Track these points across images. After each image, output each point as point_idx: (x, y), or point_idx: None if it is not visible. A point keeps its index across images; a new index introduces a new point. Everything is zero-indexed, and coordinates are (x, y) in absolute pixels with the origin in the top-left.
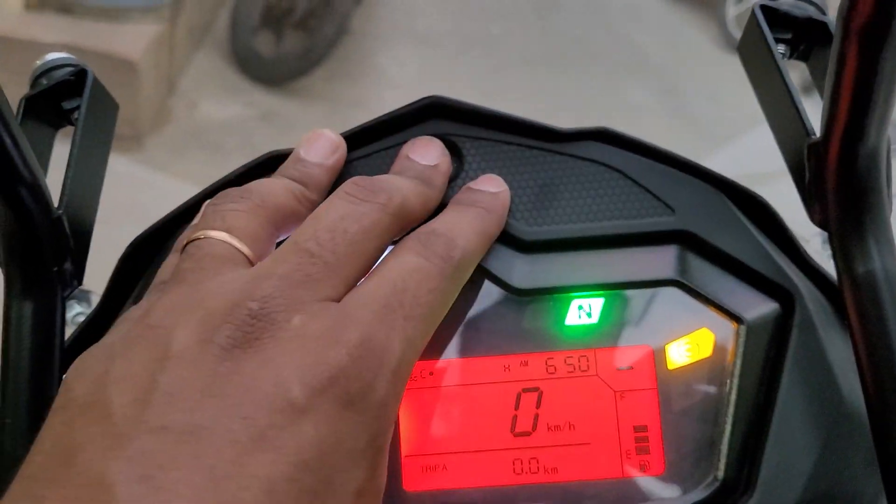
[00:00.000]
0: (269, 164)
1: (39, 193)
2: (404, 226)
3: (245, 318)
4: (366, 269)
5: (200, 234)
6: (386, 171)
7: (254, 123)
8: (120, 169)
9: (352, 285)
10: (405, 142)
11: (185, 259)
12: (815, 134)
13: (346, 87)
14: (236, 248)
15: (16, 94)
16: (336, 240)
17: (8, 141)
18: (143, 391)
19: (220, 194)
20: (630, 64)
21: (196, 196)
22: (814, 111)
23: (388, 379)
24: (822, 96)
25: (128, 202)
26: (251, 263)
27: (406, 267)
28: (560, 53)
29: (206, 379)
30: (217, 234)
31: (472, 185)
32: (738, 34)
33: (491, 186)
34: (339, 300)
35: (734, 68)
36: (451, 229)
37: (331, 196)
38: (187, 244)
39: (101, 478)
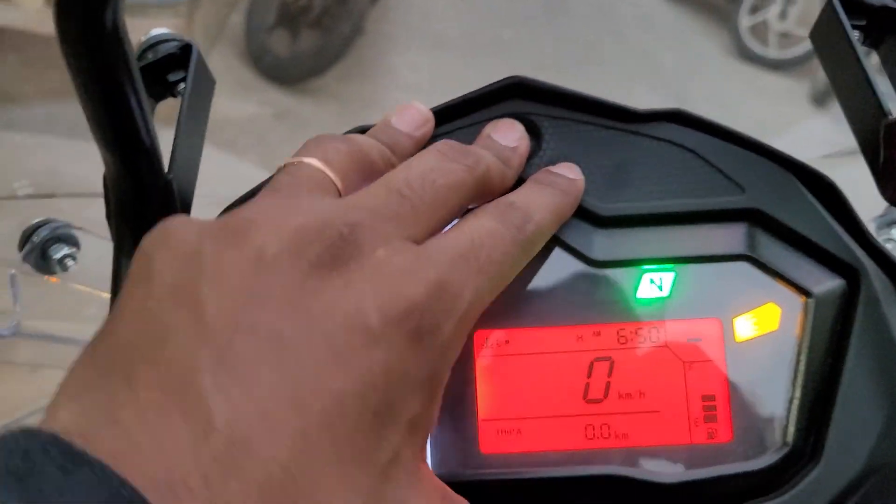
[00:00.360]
0: None
1: (155, 158)
2: (483, 193)
3: (335, 240)
4: (446, 222)
5: (297, 159)
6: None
7: (267, 122)
8: None
9: (433, 233)
10: (486, 120)
11: (281, 174)
12: (892, 114)
13: (359, 87)
14: (330, 178)
15: (37, 86)
16: (425, 187)
17: (136, 108)
18: (234, 288)
19: (320, 135)
20: (641, 71)
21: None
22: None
23: (456, 322)
24: (893, 83)
25: None
26: (341, 196)
27: (484, 228)
28: (571, 59)
29: (293, 291)
30: (314, 161)
31: (551, 168)
32: (752, 44)
33: (569, 172)
34: (420, 243)
35: (746, 77)
36: (527, 203)
37: (423, 150)
38: (285, 165)
39: (191, 365)
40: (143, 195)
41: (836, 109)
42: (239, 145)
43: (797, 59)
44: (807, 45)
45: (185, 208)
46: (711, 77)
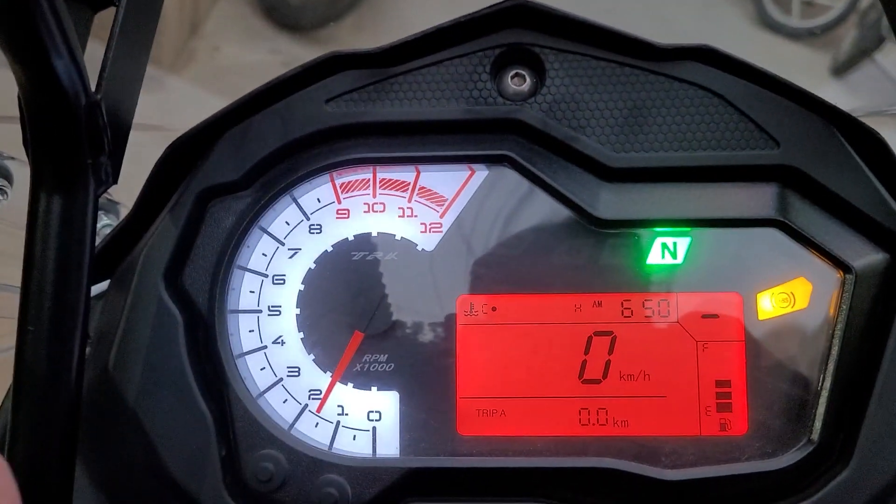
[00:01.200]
0: (329, 65)
1: (77, 73)
2: None
3: None
4: None
5: None
6: (459, 80)
7: (276, 69)
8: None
9: None
10: (482, 50)
11: None
12: None
13: (372, 39)
14: None
15: None
16: None
17: (48, 10)
18: None
19: None
20: (660, 37)
21: (237, 101)
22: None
23: None
24: None
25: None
26: None
27: None
28: None
29: None
30: None
31: None
32: (774, 13)
33: None
34: None
35: (767, 46)
36: None
37: None
38: None
39: None
40: (65, 119)
41: (852, 78)
42: (245, 92)
43: (820, 29)
44: (830, 15)
45: (119, 138)
46: (732, 45)
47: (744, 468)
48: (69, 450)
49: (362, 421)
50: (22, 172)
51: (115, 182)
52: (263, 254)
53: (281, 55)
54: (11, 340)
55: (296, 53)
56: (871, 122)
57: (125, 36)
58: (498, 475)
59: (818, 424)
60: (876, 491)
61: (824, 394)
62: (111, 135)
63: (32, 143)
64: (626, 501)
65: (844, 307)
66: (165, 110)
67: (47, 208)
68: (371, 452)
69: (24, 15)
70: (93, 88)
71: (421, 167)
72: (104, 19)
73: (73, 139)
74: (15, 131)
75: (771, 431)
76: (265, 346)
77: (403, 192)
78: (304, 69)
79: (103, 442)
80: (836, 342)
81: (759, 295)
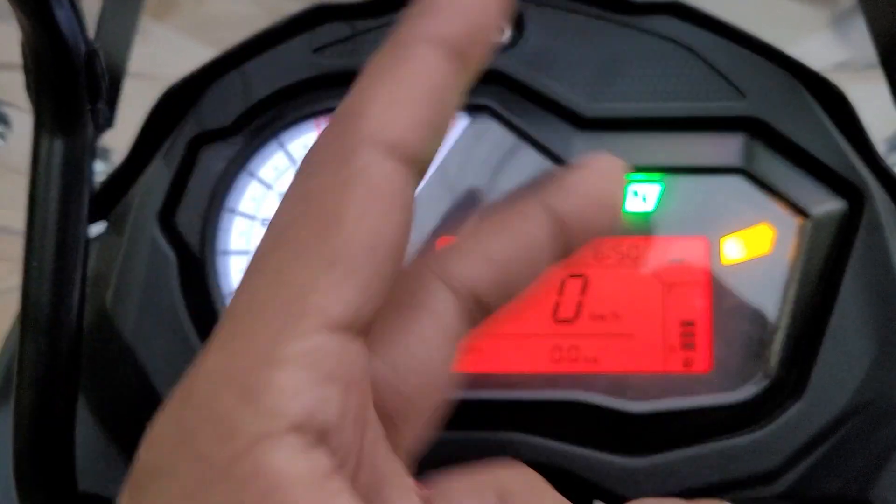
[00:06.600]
0: (315, 16)
1: (78, 22)
2: None
3: None
4: None
5: None
6: None
7: (261, 21)
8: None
9: None
10: None
11: None
12: None
13: None
14: None
15: None
16: None
17: None
18: None
19: None
20: None
21: (227, 50)
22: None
23: None
24: None
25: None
26: None
27: None
28: None
29: None
30: None
31: None
32: None
33: None
34: None
35: (768, 4)
36: None
37: None
38: None
39: None
40: (65, 66)
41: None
42: (230, 43)
43: None
44: None
45: (115, 85)
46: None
47: (703, 401)
48: (73, 377)
49: None
50: (19, 119)
51: (112, 126)
52: (253, 198)
53: (265, 5)
54: (8, 282)
55: (279, 3)
56: (871, 75)
57: None
58: (475, 408)
59: (774, 361)
60: (826, 422)
61: (781, 332)
62: (108, 82)
63: (35, 89)
64: (595, 433)
65: (803, 251)
66: (151, 62)
67: (49, 150)
68: None
69: None
70: (91, 37)
71: None
72: None
73: (74, 86)
74: (9, 79)
75: (732, 368)
76: None
77: None
78: (292, 20)
79: (101, 374)
80: (794, 284)
81: (724, 239)
